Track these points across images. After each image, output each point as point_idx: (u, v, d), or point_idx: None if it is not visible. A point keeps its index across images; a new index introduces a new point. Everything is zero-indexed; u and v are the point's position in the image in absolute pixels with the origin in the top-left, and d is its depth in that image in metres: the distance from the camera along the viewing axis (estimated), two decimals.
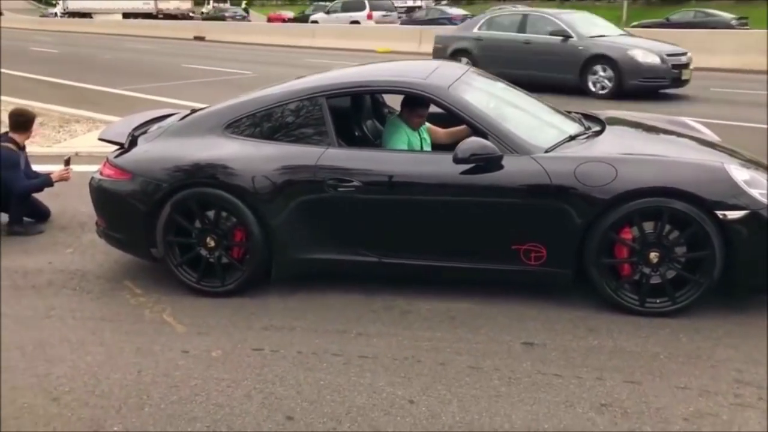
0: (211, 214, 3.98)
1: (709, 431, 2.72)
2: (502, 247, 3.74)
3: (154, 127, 4.53)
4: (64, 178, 5.29)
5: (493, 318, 3.72)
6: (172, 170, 3.97)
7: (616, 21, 33.63)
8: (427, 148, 4.43)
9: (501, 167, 3.65)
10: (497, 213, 3.71)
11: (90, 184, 4.35)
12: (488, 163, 3.64)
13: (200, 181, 3.92)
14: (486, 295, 3.95)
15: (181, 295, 4.08)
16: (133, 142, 4.31)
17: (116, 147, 4.40)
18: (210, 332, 3.65)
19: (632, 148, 3.99)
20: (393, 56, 20.62)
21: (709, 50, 15.60)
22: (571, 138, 4.05)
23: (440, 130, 4.69)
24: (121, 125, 4.69)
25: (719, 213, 3.43)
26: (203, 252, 4.04)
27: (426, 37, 22.25)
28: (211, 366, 3.30)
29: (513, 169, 3.65)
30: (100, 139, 4.60)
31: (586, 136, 4.15)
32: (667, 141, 4.37)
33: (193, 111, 4.68)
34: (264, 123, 4.08)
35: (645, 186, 3.48)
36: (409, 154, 4.07)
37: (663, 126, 4.77)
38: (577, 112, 4.80)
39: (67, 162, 5.36)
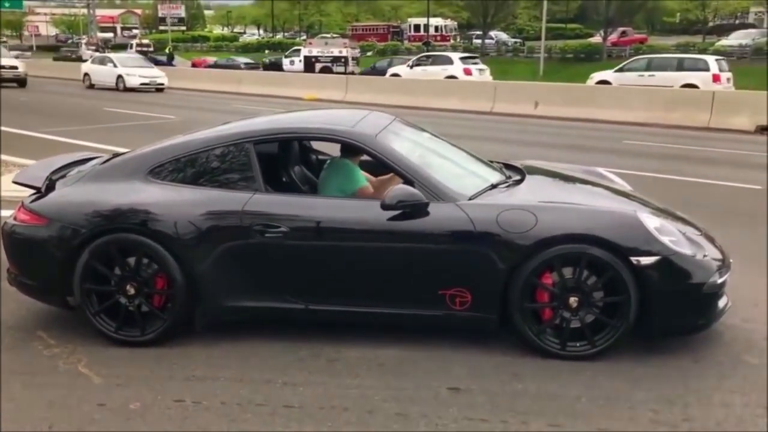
0: (131, 260, 3.86)
1: None
2: (429, 292, 3.79)
3: (74, 171, 4.39)
4: None
5: (420, 364, 3.73)
6: (92, 215, 3.85)
7: (533, 75, 35.22)
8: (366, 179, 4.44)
9: (427, 214, 3.73)
10: (424, 258, 3.77)
11: (2, 229, 4.16)
12: (414, 209, 3.71)
13: (121, 226, 3.83)
14: (413, 341, 3.97)
15: (98, 345, 3.91)
16: (50, 187, 4.16)
17: (32, 191, 4.23)
18: (129, 384, 3.51)
19: (551, 196, 4.16)
20: (319, 104, 20.85)
21: (625, 105, 16.49)
22: (493, 186, 4.18)
23: (371, 178, 4.75)
24: (38, 168, 4.52)
25: (633, 259, 3.58)
26: (122, 300, 3.89)
27: (352, 86, 22.66)
28: (130, 419, 3.17)
29: (438, 215, 3.74)
30: (15, 182, 4.43)
31: (507, 184, 4.28)
32: (583, 190, 4.57)
33: (115, 155, 4.56)
34: (188, 168, 4.02)
35: (564, 233, 3.63)
36: (336, 200, 4.07)
37: (578, 175, 4.98)
38: (497, 162, 4.95)
39: None
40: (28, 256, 4.08)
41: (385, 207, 3.71)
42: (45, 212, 3.96)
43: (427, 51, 39.36)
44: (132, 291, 3.87)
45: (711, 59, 21.40)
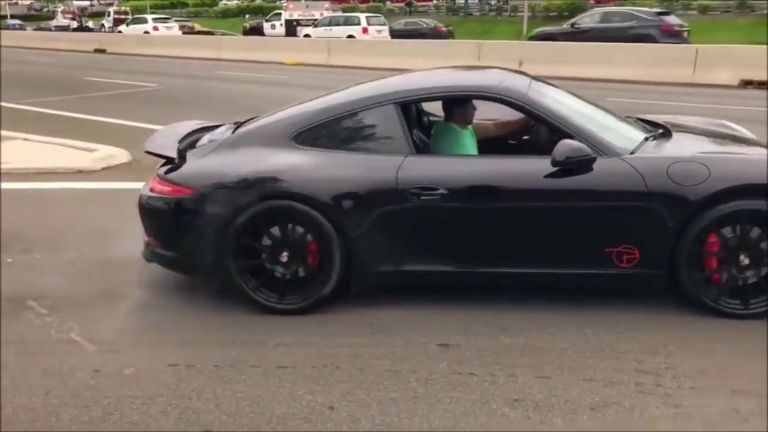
0: (285, 228, 3.82)
1: (613, 419, 2.88)
2: (594, 250, 3.71)
3: (203, 140, 4.31)
4: None
5: (409, 323, 3.79)
6: (243, 184, 3.78)
7: (517, 34, 34.92)
8: (475, 144, 4.36)
9: (591, 169, 3.64)
10: (588, 216, 3.68)
11: (139, 201, 4.10)
12: (581, 165, 3.61)
13: (277, 194, 3.76)
14: (400, 300, 4.02)
15: (90, 313, 3.94)
16: (181, 157, 4.06)
17: (163, 161, 4.15)
18: (122, 350, 3.55)
19: (709, 148, 4.03)
20: (303, 68, 20.64)
21: (609, 62, 16.45)
22: (646, 140, 4.02)
23: (488, 124, 4.72)
24: (164, 137, 4.38)
25: None
26: (279, 269, 3.85)
27: (334, 49, 22.43)
28: (124, 384, 3.21)
29: (604, 170, 3.63)
30: (147, 152, 4.21)
31: (656, 138, 4.12)
32: (732, 141, 4.33)
33: (239, 123, 4.47)
34: (334, 133, 3.95)
35: (740, 184, 3.52)
36: (493, 159, 3.95)
37: (717, 128, 4.73)
38: (631, 117, 4.67)
39: None
40: (173, 229, 3.97)
41: (555, 164, 3.60)
42: (190, 183, 3.87)
43: (410, 12, 38.93)
44: (287, 259, 3.83)
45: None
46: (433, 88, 4.20)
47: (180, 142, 4.24)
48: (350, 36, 28.50)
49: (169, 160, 4.08)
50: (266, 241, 3.82)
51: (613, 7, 26.44)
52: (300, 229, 3.79)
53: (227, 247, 3.78)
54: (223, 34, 33.84)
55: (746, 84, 14.57)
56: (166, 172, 4.01)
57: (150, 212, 4.04)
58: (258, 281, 3.87)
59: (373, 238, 3.76)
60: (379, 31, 30.07)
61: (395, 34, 30.03)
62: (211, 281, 4.14)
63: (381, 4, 53.62)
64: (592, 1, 42.34)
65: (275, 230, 3.81)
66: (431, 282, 3.95)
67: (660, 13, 22.32)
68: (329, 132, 3.95)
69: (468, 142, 4.28)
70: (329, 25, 30.96)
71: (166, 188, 3.94)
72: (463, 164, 3.88)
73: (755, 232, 3.57)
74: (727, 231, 3.59)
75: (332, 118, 3.98)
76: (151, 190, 4.03)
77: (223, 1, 79.78)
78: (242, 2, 64.30)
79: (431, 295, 4.04)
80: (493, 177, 3.74)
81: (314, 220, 3.73)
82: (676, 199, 3.54)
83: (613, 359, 3.35)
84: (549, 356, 3.40)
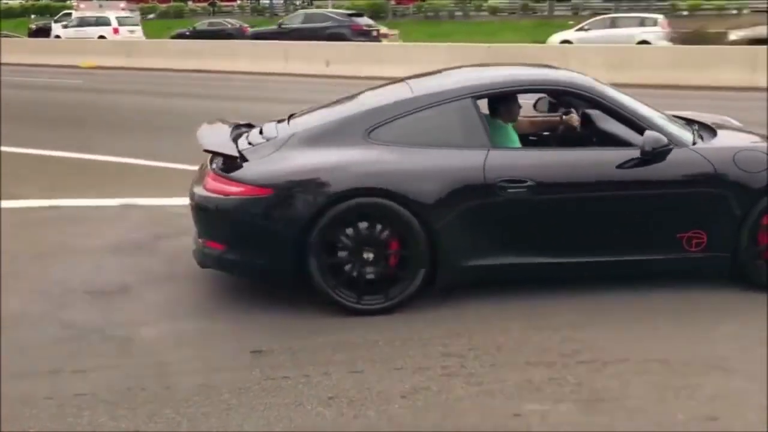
0: (368, 226, 3.71)
1: (422, 404, 3.00)
2: (667, 236, 3.88)
3: (259, 138, 4.07)
4: None
5: (221, 333, 3.68)
6: (326, 182, 3.67)
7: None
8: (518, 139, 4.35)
9: (665, 159, 3.82)
10: (663, 203, 3.87)
11: (199, 203, 3.86)
12: (658, 156, 3.80)
13: (362, 191, 3.65)
14: (208, 311, 3.90)
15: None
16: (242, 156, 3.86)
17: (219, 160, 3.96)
18: None
19: (757, 139, 4.30)
20: (100, 71, 19.34)
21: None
22: (695, 133, 4.23)
23: (524, 121, 4.76)
24: (217, 136, 4.19)
25: None
26: (361, 268, 3.72)
27: (135, 52, 21.26)
28: None
29: (676, 160, 3.83)
30: (207, 151, 3.98)
31: (699, 132, 4.31)
32: (758, 134, 4.54)
33: (287, 119, 4.36)
34: (411, 127, 3.87)
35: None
36: (573, 151, 4.07)
37: (732, 123, 4.98)
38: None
39: None
40: (248, 230, 3.75)
41: (645, 154, 3.76)
42: (269, 182, 3.69)
43: (213, 12, 37.96)
44: (371, 257, 3.71)
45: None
46: (513, 81, 4.26)
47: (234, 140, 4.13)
48: (101, 37, 28.91)
49: (233, 159, 3.84)
50: (350, 240, 3.72)
51: (315, 10, 29.51)
52: (385, 227, 3.72)
53: (310, 247, 3.65)
54: (6, 36, 30.83)
55: None
56: (228, 172, 3.79)
57: (218, 215, 3.81)
58: (337, 281, 3.74)
59: (459, 232, 3.73)
60: (131, 32, 30.70)
61: (200, 34, 29.14)
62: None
63: (183, 4, 51.72)
64: (393, 2, 43.95)
65: (359, 228, 3.71)
66: (516, 275, 3.98)
67: (351, 15, 25.18)
68: (406, 127, 3.88)
69: (514, 137, 4.32)
70: (79, 26, 31.05)
71: (239, 189, 3.71)
72: (548, 157, 4.01)
73: None
74: None
75: (407, 113, 3.91)
76: (216, 191, 3.78)
77: (5, 1, 72.60)
78: (26, 1, 59.01)
79: (237, 303, 3.96)
80: (578, 168, 3.88)
81: (400, 216, 3.67)
82: (742, 186, 3.84)
83: (421, 346, 3.49)
84: (361, 350, 3.46)
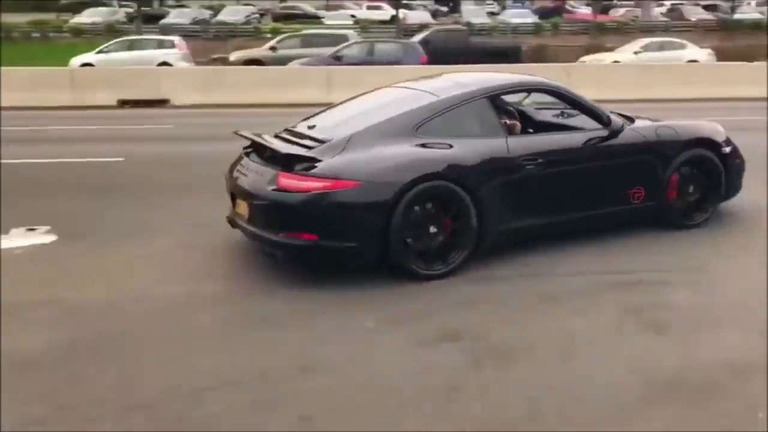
0: (432, 205, 4.49)
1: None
2: (619, 193, 5.27)
3: (311, 142, 4.67)
4: None
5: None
6: (399, 171, 4.39)
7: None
8: None
9: (617, 136, 5.24)
10: (616, 169, 5.25)
11: (276, 200, 4.37)
12: (615, 134, 5.22)
13: (428, 177, 4.42)
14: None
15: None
16: (312, 163, 4.46)
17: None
18: None
19: (662, 121, 5.79)
20: None
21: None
22: (623, 117, 5.62)
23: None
24: (277, 142, 4.82)
25: (722, 150, 5.57)
26: (428, 240, 4.50)
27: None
28: None
29: (624, 136, 5.26)
30: (287, 154, 4.53)
31: (625, 118, 5.64)
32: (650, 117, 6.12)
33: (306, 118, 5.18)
34: (446, 123, 4.78)
35: (694, 137, 5.51)
36: (561, 135, 5.29)
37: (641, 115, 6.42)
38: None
39: None
40: (338, 220, 4.34)
41: (613, 134, 5.18)
42: (355, 176, 4.33)
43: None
44: (435, 231, 4.50)
45: None
46: (513, 83, 5.48)
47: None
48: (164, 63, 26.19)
49: (300, 160, 4.45)
50: (421, 218, 4.46)
51: None
52: (444, 204, 4.52)
53: (392, 227, 4.32)
54: None
55: (124, 104, 15.00)
56: (309, 170, 4.38)
57: (303, 208, 4.31)
58: (413, 254, 4.45)
59: (496, 203, 4.68)
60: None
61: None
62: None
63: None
64: None
65: (426, 207, 4.48)
66: (529, 234, 5.01)
67: None
68: (442, 123, 4.77)
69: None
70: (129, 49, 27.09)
71: (324, 184, 4.29)
72: (548, 141, 5.17)
73: (702, 171, 5.55)
74: (685, 171, 5.48)
75: (441, 111, 4.81)
76: (294, 188, 4.33)
77: None
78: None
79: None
80: (569, 147, 5.13)
81: (457, 194, 4.51)
82: (661, 152, 5.39)
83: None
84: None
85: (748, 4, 43.84)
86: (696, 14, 40.96)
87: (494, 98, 5.16)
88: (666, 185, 5.42)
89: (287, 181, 4.38)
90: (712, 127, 5.87)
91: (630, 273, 4.65)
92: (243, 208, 4.71)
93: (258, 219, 4.55)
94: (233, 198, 4.94)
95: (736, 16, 39.55)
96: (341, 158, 4.46)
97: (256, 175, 4.64)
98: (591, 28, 36.64)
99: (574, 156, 5.13)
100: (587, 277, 4.60)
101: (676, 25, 37.35)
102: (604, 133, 5.23)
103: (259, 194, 4.49)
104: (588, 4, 44.81)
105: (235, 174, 4.88)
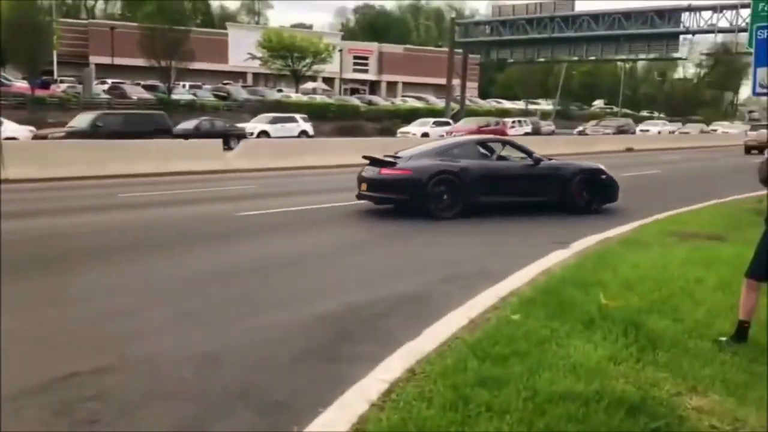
0: (447, 182, 10.71)
1: None
2: (544, 194, 11.48)
3: (403, 155, 11.37)
4: None
5: None
6: (430, 169, 10.63)
7: None
8: None
9: (538, 164, 11.52)
10: (538, 182, 11.45)
11: (375, 178, 10.96)
12: (537, 163, 11.53)
13: (444, 171, 10.64)
14: None
15: None
16: (393, 163, 11.05)
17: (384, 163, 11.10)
18: None
19: (562, 160, 13.08)
20: None
21: None
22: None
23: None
24: (388, 157, 11.39)
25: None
26: (441, 199, 10.64)
27: None
28: None
29: (542, 166, 11.60)
30: (385, 156, 11.48)
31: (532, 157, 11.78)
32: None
33: (395, 153, 11.66)
34: (448, 153, 11.29)
35: (580, 168, 11.88)
36: (504, 163, 11.90)
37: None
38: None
39: None
40: (401, 188, 10.68)
41: (536, 162, 11.52)
42: (409, 168, 10.73)
43: None
44: (444, 197, 10.64)
45: None
46: (488, 138, 14.96)
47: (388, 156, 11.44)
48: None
49: (390, 164, 11.06)
50: (439, 188, 10.60)
51: None
52: (451, 184, 10.67)
53: (427, 192, 10.48)
54: None
55: None
56: (393, 167, 10.90)
57: (390, 183, 10.82)
58: (436, 205, 10.58)
59: (475, 185, 10.83)
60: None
61: None
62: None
63: None
64: None
65: (440, 186, 10.62)
66: (491, 206, 11.06)
67: None
68: (445, 152, 11.34)
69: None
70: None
71: (399, 172, 10.75)
72: (492, 165, 11.61)
73: (588, 184, 11.80)
74: (579, 185, 11.63)
75: (448, 147, 11.70)
76: (387, 173, 10.82)
77: None
78: None
79: None
80: (512, 166, 11.86)
81: (454, 181, 10.71)
82: (561, 174, 11.66)
83: None
84: None
85: (183, 86, 48.49)
86: (137, 93, 44.27)
87: (480, 142, 12.30)
88: (572, 192, 11.43)
89: (385, 171, 10.88)
90: (595, 164, 12.33)
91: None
92: (364, 186, 11.11)
93: (372, 188, 10.98)
94: (359, 182, 11.27)
95: (174, 96, 44.06)
96: (405, 163, 10.92)
97: (372, 171, 11.09)
98: (29, 102, 36.58)
99: (514, 170, 11.65)
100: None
101: (119, 102, 40.25)
102: (531, 162, 11.58)
103: (374, 177, 10.94)
104: (24, 78, 42.23)
105: (362, 172, 11.31)
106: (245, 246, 8.47)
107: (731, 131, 47.27)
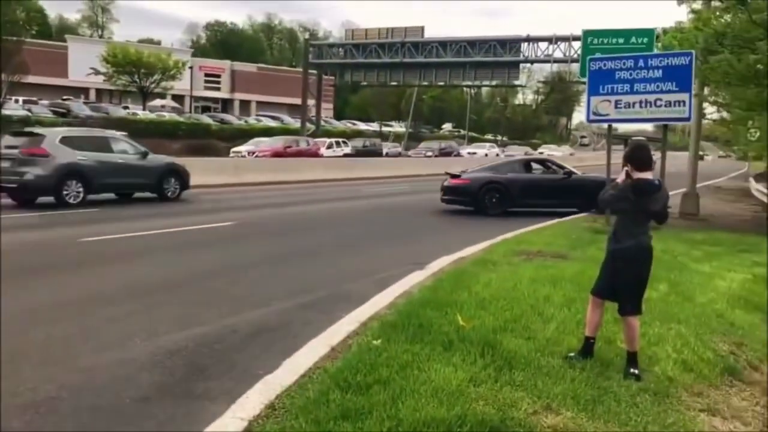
0: (490, 190, 15.94)
1: None
2: (573, 200, 16.03)
3: (469, 169, 17.59)
4: None
5: None
6: (484, 180, 16.00)
7: None
8: None
9: (570, 177, 16.47)
10: (568, 189, 16.19)
11: (449, 186, 16.37)
12: (569, 176, 16.49)
13: (493, 180, 15.90)
14: None
15: None
16: (459, 175, 16.65)
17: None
18: None
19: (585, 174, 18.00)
20: None
21: None
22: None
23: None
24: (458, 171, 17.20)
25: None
26: (492, 201, 15.87)
27: None
28: None
29: (573, 178, 16.33)
30: (455, 173, 16.89)
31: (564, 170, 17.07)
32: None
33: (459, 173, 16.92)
34: (496, 168, 16.90)
35: (598, 180, 15.42)
36: (541, 176, 17.04)
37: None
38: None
39: None
40: (461, 193, 16.10)
41: (566, 175, 16.44)
42: (469, 179, 16.25)
43: None
44: (494, 200, 15.69)
45: None
46: (531, 158, 20.83)
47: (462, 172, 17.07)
48: None
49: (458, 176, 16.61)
50: (491, 193, 15.76)
51: None
52: (496, 190, 15.82)
53: (481, 196, 15.76)
54: None
55: None
56: (458, 177, 16.38)
57: (456, 189, 16.20)
58: (490, 206, 15.65)
59: (522, 189, 15.95)
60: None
61: None
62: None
63: None
64: None
65: (491, 190, 15.83)
66: (531, 208, 15.99)
67: None
68: (501, 167, 17.08)
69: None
70: None
71: (463, 182, 16.14)
72: (532, 178, 16.85)
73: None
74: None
75: (500, 164, 18.03)
76: (455, 182, 16.27)
77: None
78: None
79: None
80: (549, 178, 16.88)
81: (501, 188, 15.82)
82: (586, 185, 15.77)
83: None
84: None
85: (16, 101, 46.18)
86: None
87: (525, 161, 17.79)
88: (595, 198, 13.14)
89: (452, 180, 16.49)
90: (596, 175, 16.90)
91: None
92: (442, 193, 16.54)
93: (446, 194, 16.49)
94: (441, 190, 16.64)
95: (5, 111, 40.38)
96: (468, 175, 16.59)
97: (446, 180, 16.74)
98: None
99: (549, 181, 16.62)
100: None
101: None
102: (564, 175, 16.41)
103: (447, 186, 16.50)
104: None
105: (443, 183, 16.65)
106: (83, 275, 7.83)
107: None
